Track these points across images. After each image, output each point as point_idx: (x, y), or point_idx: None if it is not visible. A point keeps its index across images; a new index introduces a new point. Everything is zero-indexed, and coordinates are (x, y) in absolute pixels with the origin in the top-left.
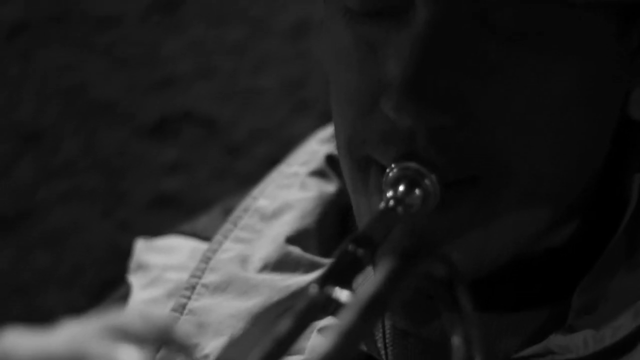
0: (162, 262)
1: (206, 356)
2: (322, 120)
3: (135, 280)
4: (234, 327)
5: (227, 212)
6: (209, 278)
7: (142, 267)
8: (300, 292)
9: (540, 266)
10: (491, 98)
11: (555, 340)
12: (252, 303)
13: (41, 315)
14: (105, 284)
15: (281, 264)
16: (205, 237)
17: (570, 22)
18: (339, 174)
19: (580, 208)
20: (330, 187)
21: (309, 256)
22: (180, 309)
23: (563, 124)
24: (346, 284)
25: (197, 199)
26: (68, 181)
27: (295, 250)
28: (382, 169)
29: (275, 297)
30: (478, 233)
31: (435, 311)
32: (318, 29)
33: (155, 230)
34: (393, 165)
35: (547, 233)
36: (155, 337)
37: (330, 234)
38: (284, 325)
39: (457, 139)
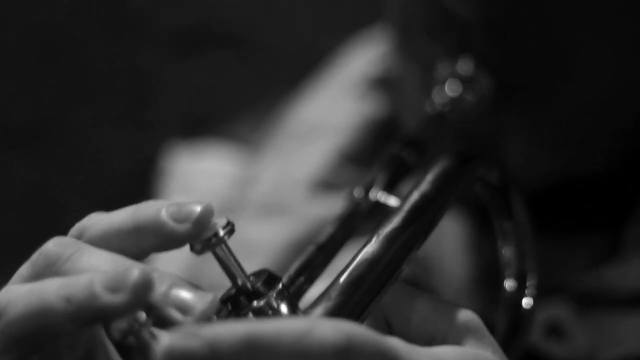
0: (203, 185)
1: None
2: None
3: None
4: (269, 256)
5: (261, 119)
6: (249, 202)
7: (184, 187)
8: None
9: (593, 191)
10: None
11: (609, 269)
12: (288, 232)
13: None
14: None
15: (325, 185)
16: (243, 141)
17: None
18: (385, 96)
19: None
20: (372, 110)
21: (353, 174)
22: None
23: (626, 23)
24: (392, 188)
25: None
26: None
27: (343, 169)
28: (432, 66)
29: (310, 228)
30: (530, 139)
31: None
32: None
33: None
34: (445, 63)
35: (601, 151)
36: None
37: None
38: (326, 231)
39: (512, 32)
